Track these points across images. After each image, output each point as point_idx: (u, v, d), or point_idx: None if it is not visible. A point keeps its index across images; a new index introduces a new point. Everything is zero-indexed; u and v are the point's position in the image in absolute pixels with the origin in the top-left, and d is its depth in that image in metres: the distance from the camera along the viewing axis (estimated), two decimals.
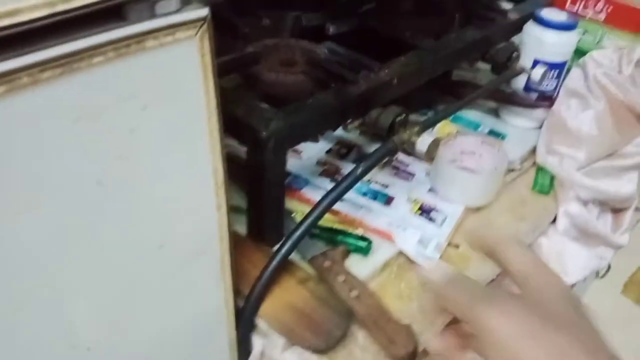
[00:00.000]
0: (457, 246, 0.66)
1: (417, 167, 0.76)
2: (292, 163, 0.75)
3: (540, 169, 0.79)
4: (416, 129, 0.60)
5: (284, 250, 0.53)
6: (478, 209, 0.71)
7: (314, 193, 0.71)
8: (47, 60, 0.27)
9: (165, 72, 0.33)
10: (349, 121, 0.61)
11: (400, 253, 0.64)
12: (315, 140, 0.67)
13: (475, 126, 0.85)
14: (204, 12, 0.33)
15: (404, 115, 0.61)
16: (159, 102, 0.34)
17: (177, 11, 0.32)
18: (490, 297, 0.34)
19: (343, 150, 0.79)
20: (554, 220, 0.77)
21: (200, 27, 0.33)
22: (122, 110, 0.32)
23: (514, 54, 0.76)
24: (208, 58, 0.35)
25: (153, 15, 0.31)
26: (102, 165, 0.33)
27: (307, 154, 0.77)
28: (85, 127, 0.31)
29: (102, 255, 0.36)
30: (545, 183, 0.77)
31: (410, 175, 0.75)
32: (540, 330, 0.31)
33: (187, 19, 0.32)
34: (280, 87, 0.65)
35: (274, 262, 0.53)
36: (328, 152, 0.78)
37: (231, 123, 0.55)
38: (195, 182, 0.40)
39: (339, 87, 0.60)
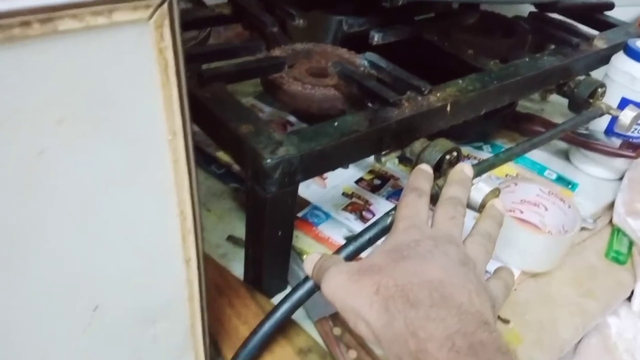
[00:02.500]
0: (507, 321, 0.52)
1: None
2: (313, 191, 0.63)
3: (616, 232, 0.64)
4: None
5: (280, 313, 0.41)
6: (536, 276, 0.57)
7: (335, 231, 0.58)
8: None
9: (94, 72, 0.22)
10: (384, 152, 0.49)
11: None
12: (344, 166, 0.55)
13: (540, 169, 0.71)
14: None
15: (455, 153, 0.48)
16: (84, 115, 0.22)
17: None
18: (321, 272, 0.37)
19: (376, 181, 0.67)
20: (630, 297, 0.62)
21: (158, 7, 0.22)
22: (22, 124, 0.21)
23: (599, 90, 0.62)
24: (170, 53, 0.23)
25: None
26: None
27: (332, 182, 0.65)
28: None
29: None
30: (622, 251, 0.62)
31: None
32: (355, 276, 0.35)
33: None
34: (305, 101, 0.53)
35: (267, 326, 0.41)
36: (358, 181, 0.66)
37: (232, 141, 0.44)
38: (145, 228, 0.28)
39: (377, 108, 0.48)
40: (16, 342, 0.27)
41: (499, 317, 0.52)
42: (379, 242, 0.42)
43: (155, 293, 0.31)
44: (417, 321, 0.30)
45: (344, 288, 0.35)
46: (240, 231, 0.56)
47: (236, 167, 0.62)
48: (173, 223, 0.29)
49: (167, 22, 0.22)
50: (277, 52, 0.58)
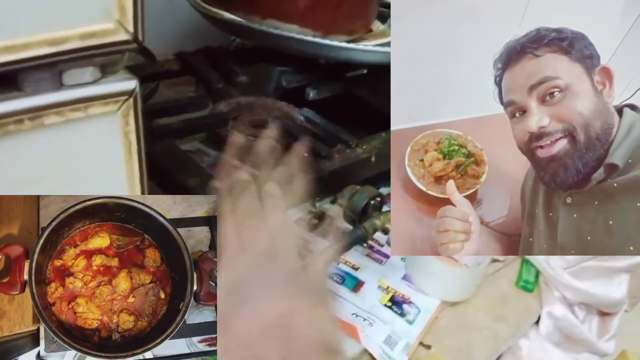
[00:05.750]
0: (428, 347, 0.59)
1: None
2: None
3: (525, 263, 0.72)
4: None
5: None
6: (454, 304, 0.64)
7: None
8: None
9: (72, 154, 0.27)
10: (317, 198, 0.55)
11: (365, 351, 0.56)
12: None
13: None
14: (132, 84, 0.27)
15: (379, 198, 0.55)
16: (64, 189, 0.27)
17: (94, 82, 0.26)
18: None
19: (314, 220, 0.72)
20: (538, 321, 0.70)
21: (125, 101, 0.27)
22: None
23: None
24: (133, 135, 0.29)
25: (59, 87, 0.25)
26: None
27: None
28: None
29: None
30: (530, 280, 0.70)
31: (385, 257, 0.68)
32: None
33: (106, 92, 0.26)
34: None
35: None
36: (295, 222, 0.72)
37: (181, 193, 0.49)
38: None
39: (311, 160, 0.54)
40: None
41: (421, 343, 0.59)
42: None
43: None
44: None
45: None
46: None
47: None
48: None
49: (132, 112, 0.28)
50: (222, 105, 0.63)
